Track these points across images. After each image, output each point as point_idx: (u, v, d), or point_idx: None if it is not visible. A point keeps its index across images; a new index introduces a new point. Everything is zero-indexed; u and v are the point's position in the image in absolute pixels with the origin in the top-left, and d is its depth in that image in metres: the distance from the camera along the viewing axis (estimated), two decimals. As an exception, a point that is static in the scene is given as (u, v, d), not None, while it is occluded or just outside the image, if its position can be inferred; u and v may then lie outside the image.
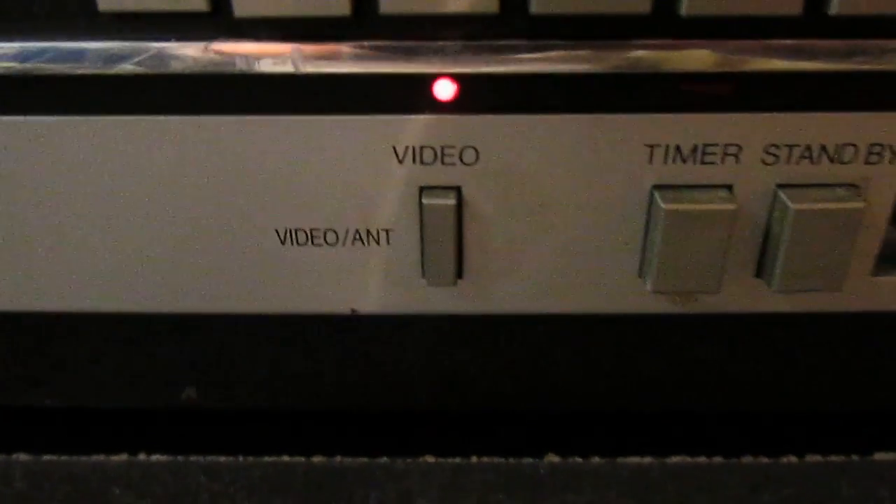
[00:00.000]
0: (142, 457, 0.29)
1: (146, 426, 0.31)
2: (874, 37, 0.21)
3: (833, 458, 0.29)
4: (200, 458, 0.29)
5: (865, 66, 0.21)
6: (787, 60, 0.21)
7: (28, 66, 0.21)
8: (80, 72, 0.21)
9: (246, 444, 0.29)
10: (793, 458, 0.29)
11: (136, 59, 0.21)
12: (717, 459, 0.29)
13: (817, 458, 0.29)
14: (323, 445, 0.29)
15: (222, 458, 0.29)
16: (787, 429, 0.31)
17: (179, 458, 0.29)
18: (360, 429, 0.31)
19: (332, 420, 0.31)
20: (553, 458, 0.30)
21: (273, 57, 0.21)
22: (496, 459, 0.29)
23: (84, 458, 0.29)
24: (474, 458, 0.29)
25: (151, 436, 0.30)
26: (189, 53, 0.21)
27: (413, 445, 0.30)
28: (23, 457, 0.29)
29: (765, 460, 0.29)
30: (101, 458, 0.29)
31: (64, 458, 0.29)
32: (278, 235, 0.24)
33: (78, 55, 0.21)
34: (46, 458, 0.29)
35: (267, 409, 0.30)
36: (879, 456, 0.29)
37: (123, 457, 0.29)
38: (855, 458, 0.29)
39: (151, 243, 0.25)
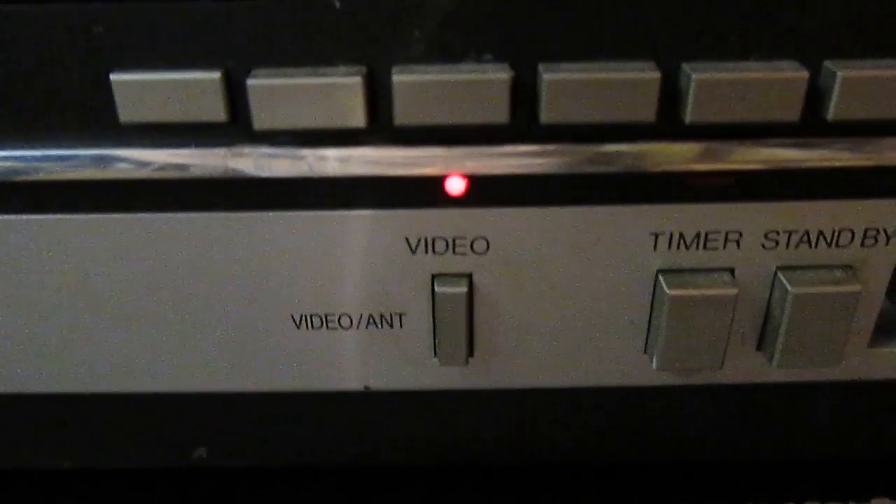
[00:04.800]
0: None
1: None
2: (867, 135, 0.22)
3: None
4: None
5: (857, 163, 0.22)
6: (785, 156, 0.22)
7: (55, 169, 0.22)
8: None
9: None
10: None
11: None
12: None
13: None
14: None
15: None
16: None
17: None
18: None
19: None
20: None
21: (292, 160, 0.22)
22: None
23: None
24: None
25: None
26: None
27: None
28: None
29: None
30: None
31: None
32: (294, 320, 0.25)
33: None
34: None
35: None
36: None
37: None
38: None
39: (179, 330, 0.25)
